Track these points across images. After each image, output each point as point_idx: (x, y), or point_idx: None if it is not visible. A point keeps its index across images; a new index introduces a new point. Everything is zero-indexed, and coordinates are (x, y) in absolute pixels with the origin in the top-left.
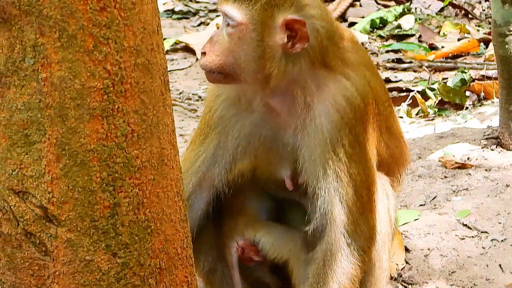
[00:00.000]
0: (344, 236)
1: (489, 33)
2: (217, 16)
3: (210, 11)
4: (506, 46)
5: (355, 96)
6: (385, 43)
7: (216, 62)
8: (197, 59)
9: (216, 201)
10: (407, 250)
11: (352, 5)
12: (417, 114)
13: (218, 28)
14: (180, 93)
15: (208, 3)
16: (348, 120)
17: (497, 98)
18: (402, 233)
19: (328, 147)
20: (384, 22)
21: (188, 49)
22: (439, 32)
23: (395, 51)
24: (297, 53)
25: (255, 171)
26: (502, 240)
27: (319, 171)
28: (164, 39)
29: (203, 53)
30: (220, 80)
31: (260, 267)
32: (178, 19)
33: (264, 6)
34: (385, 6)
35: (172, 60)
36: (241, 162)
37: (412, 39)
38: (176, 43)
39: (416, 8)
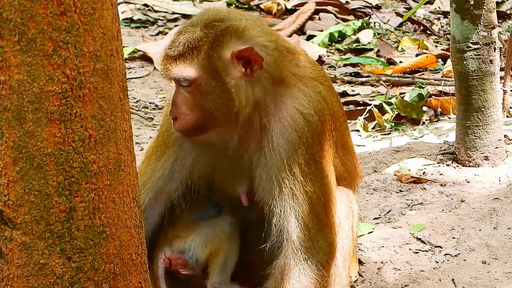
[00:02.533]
0: (301, 251)
1: (447, 49)
2: (176, 25)
3: (169, 20)
4: (464, 62)
5: (312, 114)
6: (343, 56)
7: (190, 121)
8: (154, 68)
9: (170, 213)
10: (360, 262)
11: (311, 18)
12: (373, 128)
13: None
14: (137, 101)
15: (166, 12)
16: (305, 139)
17: (454, 113)
18: (356, 246)
19: (285, 166)
20: (342, 36)
21: (146, 58)
22: (397, 47)
23: (353, 65)
24: (257, 75)
25: (211, 187)
26: (455, 255)
27: (275, 189)
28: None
29: (174, 119)
30: (197, 134)
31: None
32: (137, 27)
33: (208, 52)
34: (344, 20)
35: (130, 68)
36: (198, 178)
37: (370, 54)
38: (134, 52)
39: (375, 23)
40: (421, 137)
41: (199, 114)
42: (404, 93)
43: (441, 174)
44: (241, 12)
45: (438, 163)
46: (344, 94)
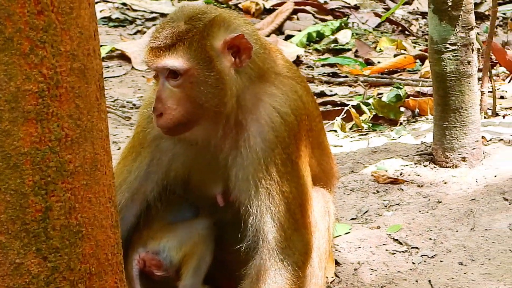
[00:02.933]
0: (276, 252)
1: (425, 50)
2: (154, 25)
3: (147, 19)
4: (442, 63)
5: (289, 113)
6: (321, 56)
7: (177, 115)
8: (132, 67)
9: (146, 214)
10: (337, 263)
11: (289, 18)
12: (351, 128)
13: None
14: (115, 100)
15: (145, 11)
16: (282, 139)
17: (432, 114)
18: (332, 246)
19: (261, 166)
20: (321, 36)
21: (123, 57)
22: (375, 48)
23: (331, 65)
24: (244, 66)
25: (187, 186)
26: (432, 256)
27: (251, 189)
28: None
29: (159, 114)
30: (182, 130)
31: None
32: (115, 26)
33: (200, 43)
34: (322, 20)
35: (108, 67)
36: (174, 179)
37: (349, 54)
38: (112, 51)
39: (353, 23)
40: (399, 137)
41: (188, 108)
42: (382, 93)
43: (418, 175)
44: (217, 7)
45: (415, 163)
46: (322, 94)
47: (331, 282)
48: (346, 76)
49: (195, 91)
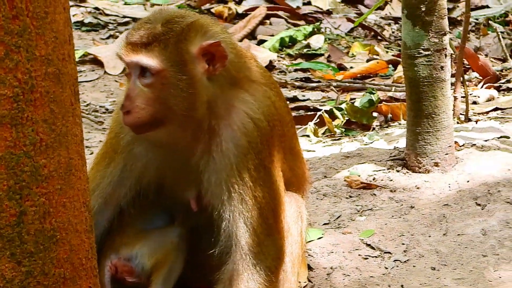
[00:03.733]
0: (249, 257)
1: (398, 55)
2: (126, 29)
3: (119, 24)
4: (415, 68)
5: (262, 119)
6: (294, 61)
7: (145, 115)
8: (105, 72)
9: (119, 219)
10: (310, 268)
11: (262, 23)
12: (324, 133)
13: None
14: (87, 105)
15: (117, 16)
16: (254, 145)
17: (404, 119)
18: (305, 251)
19: (234, 171)
20: (293, 41)
21: (96, 61)
22: (348, 53)
23: (304, 70)
24: (218, 74)
25: (161, 192)
26: (405, 261)
27: (224, 194)
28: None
29: (127, 112)
30: (148, 130)
31: None
32: (87, 31)
33: (177, 45)
34: (295, 25)
35: (80, 72)
36: (148, 184)
37: (321, 59)
38: (84, 55)
39: (326, 28)
40: (371, 143)
41: (156, 109)
42: (354, 98)
43: (391, 180)
44: (195, 13)
45: (388, 169)
46: (294, 99)
47: (304, 287)
48: (319, 81)
49: (165, 93)
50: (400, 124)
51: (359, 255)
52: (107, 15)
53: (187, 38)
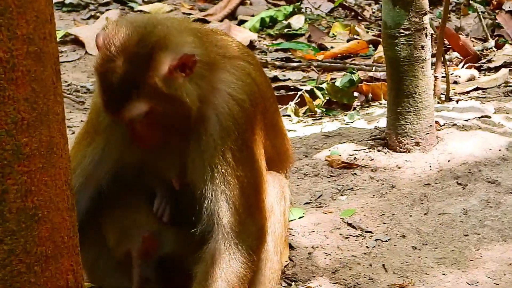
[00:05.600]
0: (231, 236)
1: (378, 35)
2: (107, 10)
3: (100, 4)
4: (396, 48)
5: (245, 99)
6: (275, 42)
7: (155, 139)
8: (86, 52)
9: (98, 198)
10: (291, 247)
11: (242, 3)
12: (304, 113)
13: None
14: (69, 85)
15: None
16: (238, 126)
17: (385, 99)
18: (287, 231)
19: (218, 152)
20: (274, 21)
21: (77, 42)
22: (328, 33)
23: (284, 50)
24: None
25: (142, 170)
26: (386, 240)
27: (207, 174)
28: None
29: (143, 145)
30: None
31: (147, 263)
32: (68, 11)
33: (147, 82)
34: (275, 5)
35: (61, 52)
36: (129, 163)
37: (302, 39)
38: (65, 35)
39: (306, 8)
40: (352, 122)
41: (161, 130)
42: (335, 78)
43: (372, 160)
44: (149, 17)
45: (369, 148)
46: (275, 79)
47: (285, 266)
48: (300, 61)
49: (162, 119)
50: (380, 103)
51: (340, 234)
52: None
53: (153, 66)
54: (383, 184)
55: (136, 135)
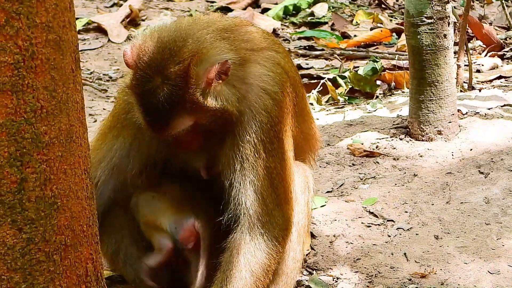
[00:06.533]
0: (258, 226)
1: (401, 24)
2: None
3: None
4: (418, 37)
5: (277, 91)
6: (298, 30)
7: (200, 144)
8: (109, 40)
9: (124, 189)
10: (313, 236)
11: None
12: (327, 101)
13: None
14: (91, 73)
15: None
16: (271, 119)
17: (408, 88)
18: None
19: (251, 144)
20: (297, 9)
21: (100, 30)
22: (352, 21)
23: (308, 38)
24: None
25: (169, 161)
26: (407, 229)
27: (237, 163)
28: (77, 18)
29: (186, 150)
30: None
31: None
32: None
33: (189, 97)
34: None
35: (84, 40)
36: (157, 157)
37: (325, 27)
38: (88, 23)
39: None
40: (375, 111)
41: (207, 135)
42: (358, 67)
43: (394, 148)
44: (176, 28)
45: (391, 137)
46: (298, 67)
47: (306, 255)
48: (323, 49)
49: (206, 127)
50: (403, 92)
51: (362, 223)
52: None
53: (193, 83)
54: (405, 173)
55: (180, 143)
